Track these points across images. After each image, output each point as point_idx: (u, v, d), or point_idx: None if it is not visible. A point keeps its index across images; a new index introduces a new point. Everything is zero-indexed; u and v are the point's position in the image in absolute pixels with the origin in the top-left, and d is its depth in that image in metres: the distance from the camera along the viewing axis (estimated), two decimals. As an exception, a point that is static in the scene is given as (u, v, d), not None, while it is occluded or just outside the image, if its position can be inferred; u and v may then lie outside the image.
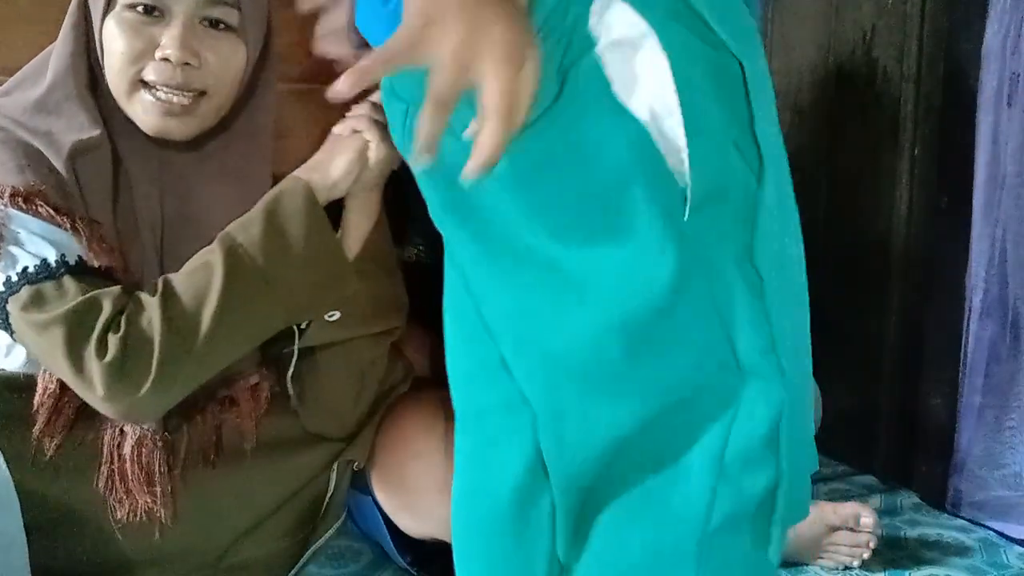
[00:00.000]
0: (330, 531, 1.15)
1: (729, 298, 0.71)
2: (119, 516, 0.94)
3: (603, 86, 0.68)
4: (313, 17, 1.56)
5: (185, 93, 0.95)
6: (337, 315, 0.99)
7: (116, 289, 0.90)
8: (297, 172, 0.97)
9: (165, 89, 0.94)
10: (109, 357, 0.86)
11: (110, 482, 0.94)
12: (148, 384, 0.87)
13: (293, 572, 1.11)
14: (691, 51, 0.70)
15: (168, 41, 0.93)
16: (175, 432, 0.97)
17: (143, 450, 0.94)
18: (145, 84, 0.95)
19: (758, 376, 0.72)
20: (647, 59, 0.68)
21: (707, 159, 0.69)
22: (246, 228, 0.93)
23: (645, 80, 0.68)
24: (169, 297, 0.89)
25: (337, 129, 0.99)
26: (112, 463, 0.94)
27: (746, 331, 0.71)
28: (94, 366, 0.86)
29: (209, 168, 1.00)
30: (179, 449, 0.97)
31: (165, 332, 0.87)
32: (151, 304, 0.89)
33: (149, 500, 0.94)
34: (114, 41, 0.94)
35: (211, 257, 0.91)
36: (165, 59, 0.93)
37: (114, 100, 0.97)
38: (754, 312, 0.71)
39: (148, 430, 0.94)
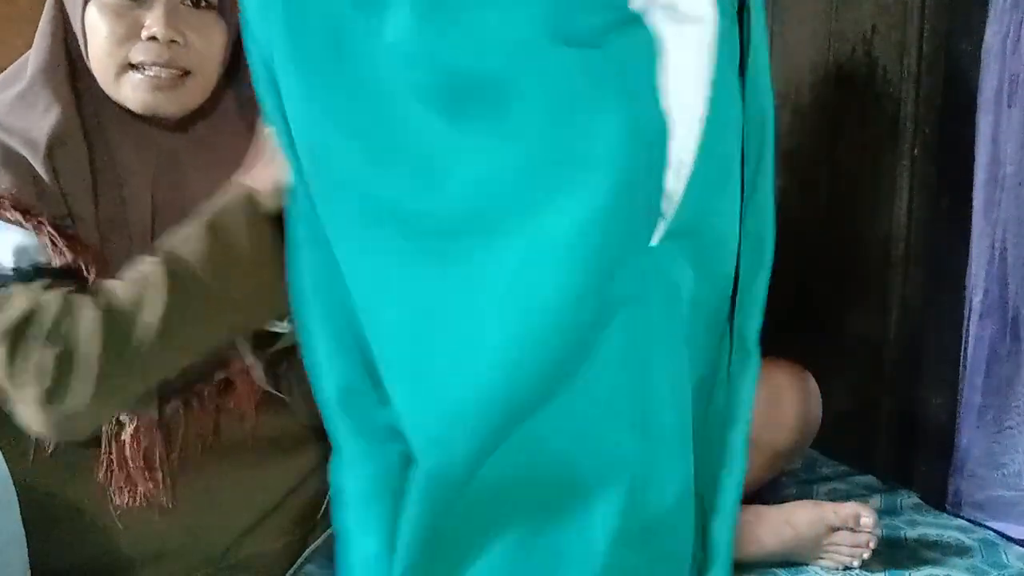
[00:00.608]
0: (329, 530, 1.15)
1: (661, 365, 0.65)
2: (118, 502, 0.94)
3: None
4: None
5: (172, 71, 0.96)
6: (287, 327, 0.98)
7: (60, 298, 0.87)
8: (239, 179, 0.95)
9: (154, 68, 0.96)
10: (45, 376, 0.84)
11: (109, 472, 0.94)
12: (86, 401, 0.85)
13: (292, 570, 1.11)
14: (733, 84, 0.65)
15: (153, 21, 0.94)
16: (172, 417, 0.96)
17: (141, 437, 0.94)
18: (132, 66, 0.96)
19: (669, 452, 0.67)
20: (692, 41, 0.60)
21: (700, 193, 0.63)
22: (188, 242, 0.90)
23: (680, 64, 0.60)
24: (109, 313, 0.87)
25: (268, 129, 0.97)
26: (111, 452, 0.94)
27: (669, 402, 0.66)
28: (31, 383, 0.85)
29: (202, 152, 1.01)
30: (177, 434, 0.96)
31: (104, 350, 0.85)
32: (90, 320, 0.86)
33: (151, 486, 0.94)
34: (98, 26, 0.95)
35: (152, 272, 0.88)
36: (152, 38, 0.94)
37: (100, 89, 0.98)
38: (683, 388, 0.66)
39: (145, 417, 0.94)
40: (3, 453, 0.90)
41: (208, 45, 0.98)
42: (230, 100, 1.03)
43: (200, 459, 0.98)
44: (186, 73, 0.98)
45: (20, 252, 0.89)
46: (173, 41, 0.95)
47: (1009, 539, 1.38)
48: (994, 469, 1.50)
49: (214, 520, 1.01)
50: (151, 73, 0.96)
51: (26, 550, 0.92)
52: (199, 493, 0.98)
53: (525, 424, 0.64)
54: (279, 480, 1.05)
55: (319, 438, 1.08)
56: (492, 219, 0.62)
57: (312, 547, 1.13)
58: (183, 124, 1.00)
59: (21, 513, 0.91)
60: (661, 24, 0.62)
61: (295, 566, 1.11)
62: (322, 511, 1.12)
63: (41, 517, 0.93)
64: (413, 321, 0.66)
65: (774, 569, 1.26)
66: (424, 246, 0.64)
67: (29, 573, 0.93)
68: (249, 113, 1.03)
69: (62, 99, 0.96)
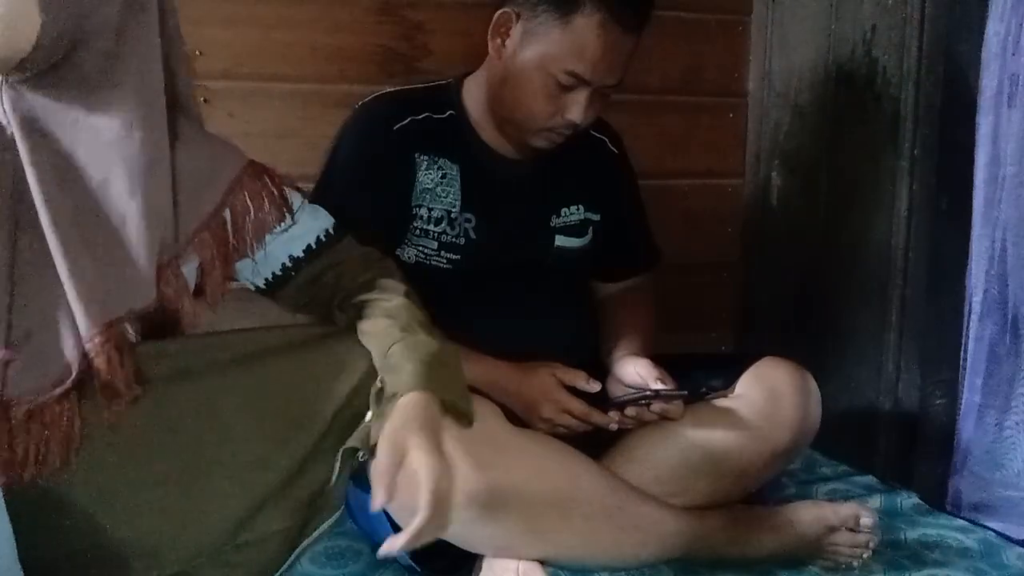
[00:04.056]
0: (326, 524, 1.14)
1: None
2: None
3: None
4: (313, 15, 1.53)
5: None
6: None
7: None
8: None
9: None
10: None
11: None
12: None
13: (288, 564, 1.11)
14: None
15: None
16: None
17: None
18: None
19: None
20: None
21: None
22: None
23: None
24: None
25: None
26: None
27: None
28: None
29: (65, 91, 0.93)
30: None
31: None
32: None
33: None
34: None
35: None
36: None
37: None
38: None
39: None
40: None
41: None
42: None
43: (194, 444, 0.97)
44: None
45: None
46: None
47: (1009, 539, 1.38)
48: (994, 469, 1.50)
49: (210, 508, 1.00)
50: None
51: (14, 541, 0.91)
52: (193, 480, 0.98)
53: None
54: (279, 464, 1.04)
55: (319, 420, 1.07)
56: None
57: (312, 537, 1.12)
58: (36, 80, 0.93)
59: (8, 505, 0.90)
60: None
61: (291, 558, 1.11)
62: (322, 501, 1.11)
63: (25, 505, 0.92)
64: None
65: (774, 569, 1.26)
66: None
67: (19, 566, 0.92)
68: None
69: None
